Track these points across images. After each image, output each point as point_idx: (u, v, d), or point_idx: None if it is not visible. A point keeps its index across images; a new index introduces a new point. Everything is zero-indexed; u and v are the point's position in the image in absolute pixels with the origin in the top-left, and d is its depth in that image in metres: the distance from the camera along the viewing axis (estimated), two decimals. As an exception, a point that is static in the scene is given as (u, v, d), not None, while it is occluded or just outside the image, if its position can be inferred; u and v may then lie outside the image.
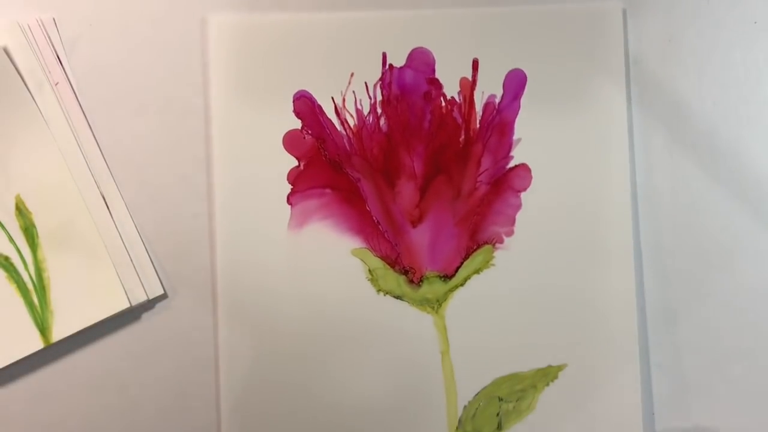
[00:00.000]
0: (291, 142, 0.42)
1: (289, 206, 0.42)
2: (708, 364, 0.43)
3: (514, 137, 0.43)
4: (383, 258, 0.42)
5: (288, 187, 0.42)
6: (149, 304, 0.42)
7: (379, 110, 0.42)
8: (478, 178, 0.42)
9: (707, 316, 0.43)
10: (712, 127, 0.43)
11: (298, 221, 0.42)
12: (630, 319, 0.42)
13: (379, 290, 0.42)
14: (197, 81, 0.42)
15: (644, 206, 0.43)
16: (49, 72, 0.42)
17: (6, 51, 0.41)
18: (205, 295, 0.42)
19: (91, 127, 0.42)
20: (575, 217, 0.43)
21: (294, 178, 0.42)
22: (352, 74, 0.42)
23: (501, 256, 0.42)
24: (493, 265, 0.43)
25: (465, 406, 0.42)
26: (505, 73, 0.43)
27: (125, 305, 0.41)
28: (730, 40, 0.44)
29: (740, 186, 0.43)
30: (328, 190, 0.42)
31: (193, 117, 0.42)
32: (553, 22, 0.42)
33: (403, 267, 0.42)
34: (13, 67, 0.41)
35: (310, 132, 0.42)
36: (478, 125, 0.43)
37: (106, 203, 0.42)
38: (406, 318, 0.42)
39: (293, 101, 0.42)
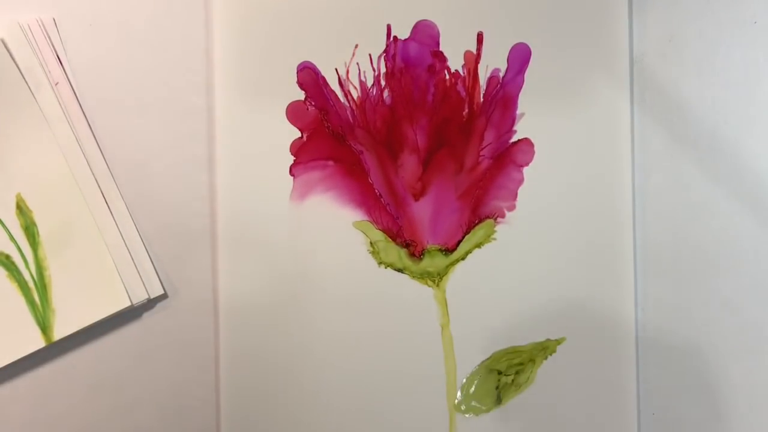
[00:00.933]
0: (294, 113, 0.43)
1: (292, 177, 0.42)
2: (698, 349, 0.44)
3: (518, 111, 0.43)
4: (385, 231, 0.43)
5: (290, 159, 0.42)
6: (149, 304, 0.43)
7: (382, 82, 0.43)
8: (481, 152, 0.43)
9: (704, 311, 0.44)
10: (711, 124, 0.44)
11: (301, 193, 0.42)
12: (628, 294, 0.43)
13: (380, 263, 0.43)
14: (198, 78, 0.43)
15: (642, 181, 0.44)
16: (49, 71, 0.42)
17: (7, 50, 0.42)
18: (205, 295, 0.43)
19: (91, 127, 0.43)
20: (577, 192, 0.43)
21: (297, 149, 0.42)
22: (356, 46, 0.42)
23: (502, 230, 0.43)
24: (494, 239, 0.43)
25: (464, 380, 0.43)
26: (510, 46, 0.43)
27: (126, 304, 0.42)
28: (730, 40, 0.44)
29: (740, 184, 0.44)
30: (330, 162, 0.43)
31: (194, 115, 0.43)
32: (559, -3, 0.43)
33: (405, 240, 0.43)
34: (14, 66, 0.42)
35: (313, 103, 0.42)
36: (481, 99, 0.43)
37: (106, 202, 0.43)
38: (407, 291, 0.43)
39: (297, 72, 0.42)
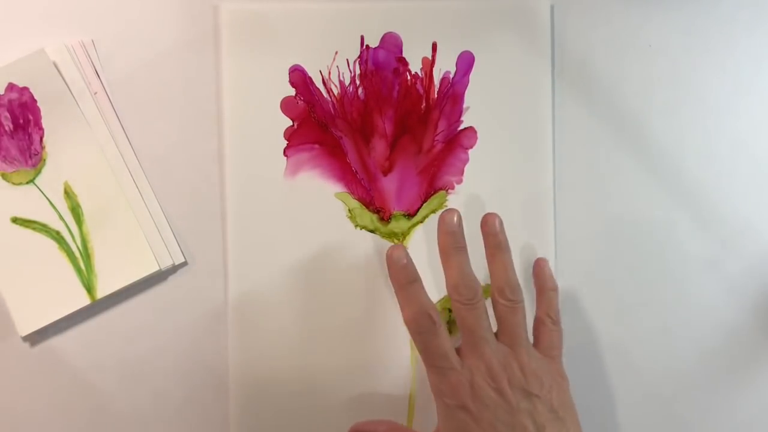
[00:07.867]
0: (287, 106, 0.47)
1: (286, 158, 0.47)
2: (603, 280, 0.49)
3: (464, 105, 0.47)
4: (360, 200, 0.47)
5: (284, 143, 0.47)
6: (173, 269, 0.47)
7: (357, 82, 0.47)
8: (436, 138, 0.47)
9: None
10: (614, 127, 0.47)
11: (293, 170, 0.47)
12: (549, 242, 0.47)
13: (356, 226, 0.47)
14: (209, 87, 0.46)
15: (561, 160, 0.48)
16: (89, 83, 0.46)
17: (56, 66, 0.45)
18: (217, 261, 0.47)
19: (123, 128, 0.46)
20: (510, 170, 0.47)
21: (289, 135, 0.47)
22: (336, 52, 0.47)
23: (452, 199, 0.48)
24: (446, 206, 0.47)
25: (423, 316, 0.47)
26: (458, 54, 0.47)
27: (155, 269, 0.46)
28: (631, 59, 0.47)
29: (656, 167, 0.48)
30: (316, 146, 0.47)
31: (205, 118, 0.47)
32: (495, 14, 0.47)
33: (376, 207, 0.47)
34: (61, 79, 0.45)
35: (302, 98, 0.47)
36: (436, 95, 0.47)
37: (137, 187, 0.46)
38: (377, 247, 0.47)
39: (289, 73, 0.47)
